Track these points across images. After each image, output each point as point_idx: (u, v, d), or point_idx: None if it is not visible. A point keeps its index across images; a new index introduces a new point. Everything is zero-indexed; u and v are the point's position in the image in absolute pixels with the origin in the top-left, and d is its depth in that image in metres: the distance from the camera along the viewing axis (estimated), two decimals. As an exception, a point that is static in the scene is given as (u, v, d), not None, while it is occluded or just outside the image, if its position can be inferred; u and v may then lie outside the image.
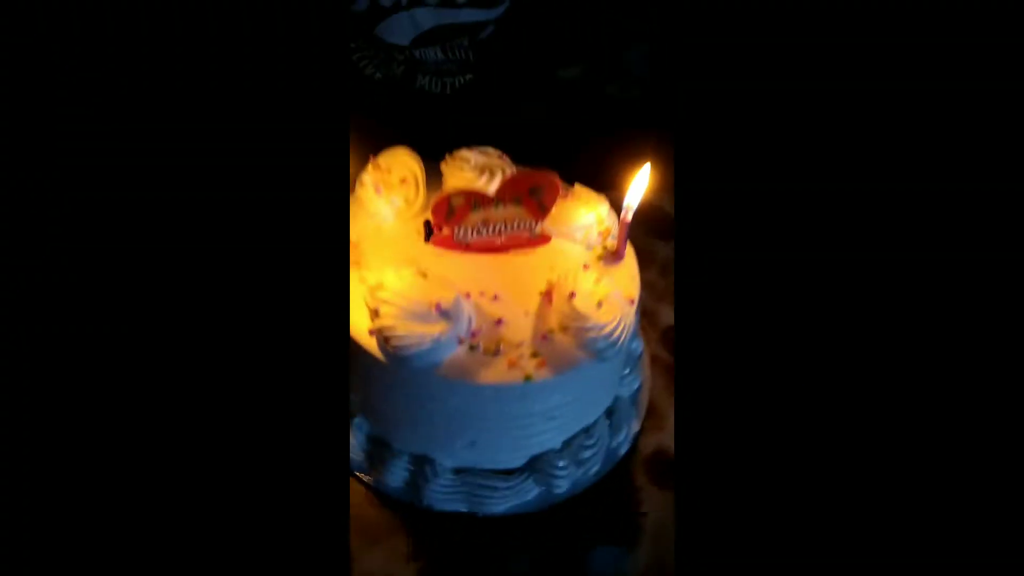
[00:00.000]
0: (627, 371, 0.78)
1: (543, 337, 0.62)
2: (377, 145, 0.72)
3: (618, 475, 0.74)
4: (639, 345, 0.82)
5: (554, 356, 0.61)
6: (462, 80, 1.00)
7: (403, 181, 0.69)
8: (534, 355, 0.61)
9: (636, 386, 0.80)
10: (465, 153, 0.71)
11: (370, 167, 0.69)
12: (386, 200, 0.68)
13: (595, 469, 0.73)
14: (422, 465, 0.68)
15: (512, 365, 0.60)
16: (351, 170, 0.66)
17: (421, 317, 0.58)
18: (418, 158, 0.71)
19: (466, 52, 0.96)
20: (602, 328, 0.60)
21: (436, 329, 0.58)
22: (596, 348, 0.61)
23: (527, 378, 0.60)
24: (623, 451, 0.75)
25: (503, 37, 0.95)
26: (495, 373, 0.60)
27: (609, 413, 0.75)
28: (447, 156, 0.71)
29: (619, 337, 0.61)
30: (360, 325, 0.61)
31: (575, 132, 1.00)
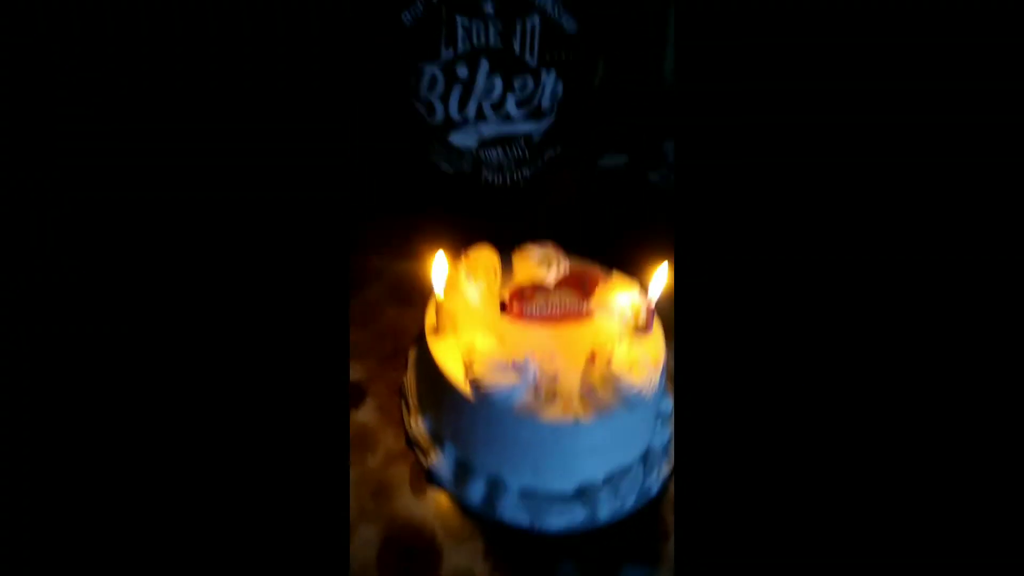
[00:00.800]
0: (658, 424, 0.98)
1: (588, 391, 0.84)
2: (466, 238, 0.99)
3: (649, 510, 0.92)
4: (669, 404, 1.02)
5: (596, 405, 0.83)
6: (520, 175, 1.26)
7: (486, 271, 0.95)
8: (581, 402, 0.83)
9: (667, 438, 0.99)
10: (529, 247, 0.96)
11: (463, 259, 0.96)
12: (474, 284, 0.94)
13: (631, 502, 0.92)
14: (496, 485, 0.89)
15: (566, 409, 0.82)
16: (449, 263, 0.93)
17: (502, 370, 0.82)
18: (496, 253, 0.97)
19: (523, 152, 1.23)
20: (632, 386, 0.82)
21: (512, 379, 0.82)
22: (628, 400, 0.82)
23: (576, 419, 0.82)
24: (654, 491, 0.94)
25: (553, 140, 1.22)
26: (553, 414, 0.82)
27: (644, 459, 0.94)
28: (516, 249, 0.97)
29: (645, 393, 0.83)
30: (456, 373, 0.85)
31: (617, 217, 1.23)
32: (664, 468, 0.96)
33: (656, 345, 0.90)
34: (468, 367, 0.84)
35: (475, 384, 0.82)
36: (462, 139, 1.20)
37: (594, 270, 0.89)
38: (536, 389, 0.83)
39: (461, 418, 0.89)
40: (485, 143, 1.20)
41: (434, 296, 0.90)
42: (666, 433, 0.99)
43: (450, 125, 1.17)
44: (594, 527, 0.89)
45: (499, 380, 0.81)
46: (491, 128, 1.18)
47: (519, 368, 0.82)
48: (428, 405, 0.96)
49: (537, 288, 0.88)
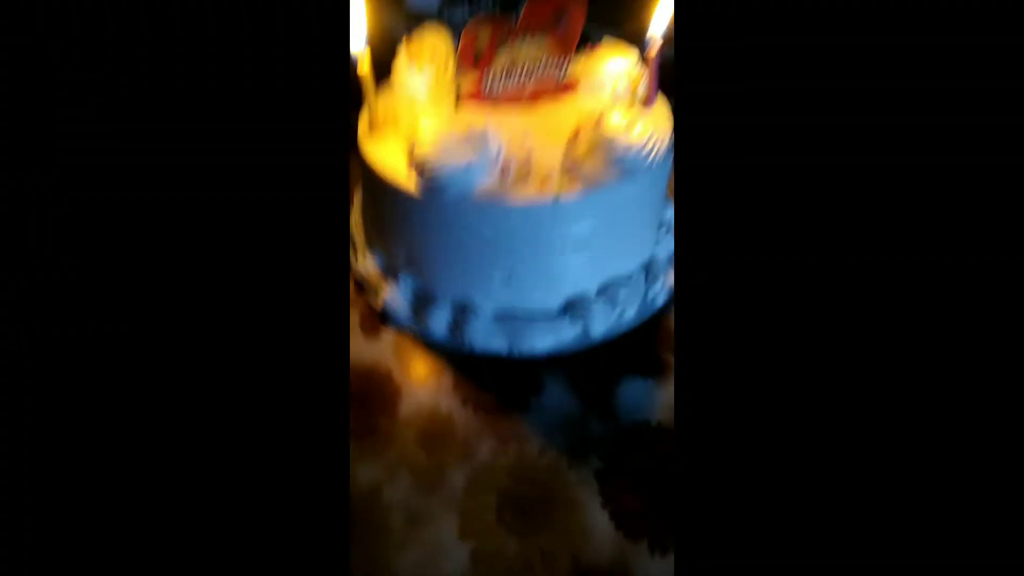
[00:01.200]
0: (662, 233, 0.79)
1: (572, 164, 0.64)
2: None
3: (653, 323, 0.75)
4: (672, 212, 0.83)
5: (583, 176, 0.63)
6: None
7: (434, 55, 0.73)
8: (564, 179, 0.63)
9: (671, 248, 0.81)
10: (483, 18, 0.74)
11: (403, 45, 0.75)
12: (417, 74, 0.72)
13: (631, 314, 0.74)
14: (463, 310, 0.72)
15: (542, 187, 0.63)
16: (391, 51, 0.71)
17: (454, 145, 0.62)
18: (446, 36, 0.75)
19: (492, 8, 1.01)
20: (630, 144, 0.62)
21: (468, 154, 0.62)
22: (625, 163, 0.62)
23: (556, 196, 0.62)
24: (660, 302, 0.76)
25: None
26: (525, 194, 0.63)
27: (647, 268, 0.77)
28: (470, 21, 0.75)
29: (648, 153, 0.62)
30: (401, 174, 0.65)
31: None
32: (670, 277, 0.79)
33: (660, 119, 0.70)
34: (412, 151, 0.64)
35: (421, 167, 0.62)
36: (422, 1, 0.97)
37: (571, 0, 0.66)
38: (503, 170, 0.64)
39: (413, 232, 0.69)
40: (449, 1, 0.98)
41: (363, 78, 0.68)
42: (671, 243, 0.81)
43: None
44: (587, 346, 0.72)
45: (451, 158, 0.62)
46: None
47: (477, 140, 0.62)
48: (377, 238, 0.77)
49: (499, 34, 0.65)
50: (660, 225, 0.79)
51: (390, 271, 0.76)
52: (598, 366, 0.70)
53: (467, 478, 0.59)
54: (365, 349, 0.73)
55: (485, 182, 0.63)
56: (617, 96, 0.72)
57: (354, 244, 0.82)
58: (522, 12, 0.65)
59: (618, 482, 0.59)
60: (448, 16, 1.00)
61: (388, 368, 0.71)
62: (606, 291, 0.73)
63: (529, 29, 0.66)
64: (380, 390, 0.69)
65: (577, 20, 0.67)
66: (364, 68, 0.67)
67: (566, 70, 0.70)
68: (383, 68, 0.70)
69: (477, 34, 0.65)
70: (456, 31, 1.01)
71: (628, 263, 0.75)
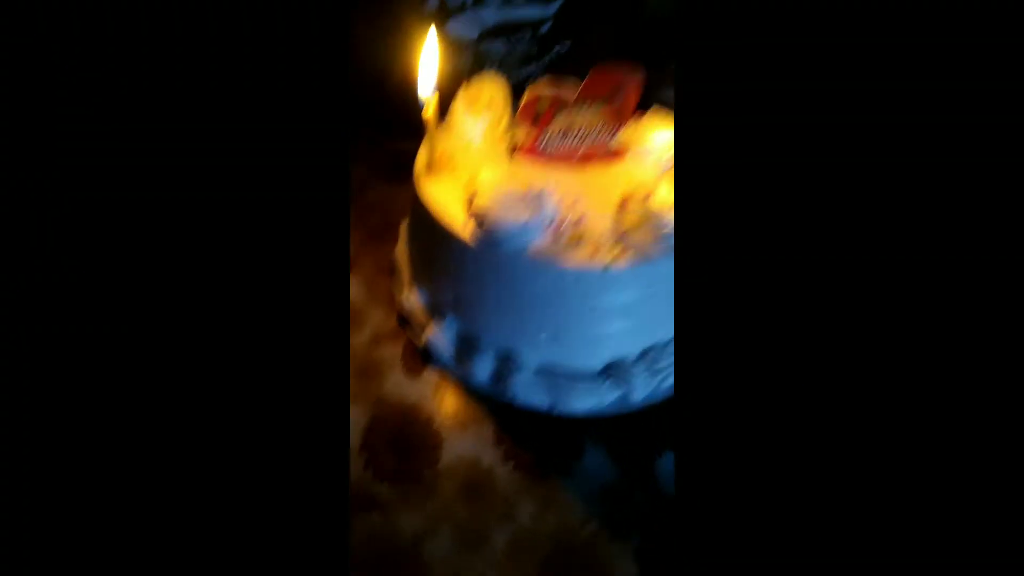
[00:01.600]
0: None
1: (621, 235, 0.66)
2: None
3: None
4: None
5: (632, 247, 0.65)
6: (525, 74, 1.07)
7: (491, 103, 0.75)
8: (614, 249, 0.65)
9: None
10: (546, 80, 0.76)
11: (461, 91, 0.76)
12: (474, 119, 0.74)
13: (670, 382, 0.75)
14: (507, 360, 0.73)
15: (594, 254, 0.64)
16: (448, 98, 0.73)
17: (512, 202, 0.63)
18: (504, 84, 0.77)
19: (529, 45, 1.04)
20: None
21: (525, 213, 0.63)
22: (671, 239, 0.64)
23: (607, 265, 0.64)
24: (699, 367, 0.77)
25: (561, 32, 1.02)
26: (578, 258, 0.64)
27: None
28: (530, 85, 0.77)
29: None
30: (456, 218, 0.67)
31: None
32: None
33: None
34: (471, 201, 0.65)
35: (479, 219, 0.64)
36: (462, 28, 1.00)
37: (633, 75, 0.68)
38: (557, 232, 0.65)
39: (463, 276, 0.71)
40: (487, 33, 1.00)
41: (428, 121, 0.70)
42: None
43: (447, 12, 0.98)
44: (627, 410, 0.73)
45: (509, 214, 0.63)
46: (493, 14, 0.99)
47: (534, 200, 0.64)
48: (424, 274, 0.78)
49: (558, 103, 0.67)
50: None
51: (435, 310, 0.78)
52: (640, 436, 0.71)
53: (508, 541, 0.60)
54: (407, 387, 0.74)
55: (539, 241, 0.65)
56: (663, 164, 0.73)
57: (400, 277, 0.84)
58: (584, 82, 0.67)
59: (657, 561, 0.60)
60: (486, 47, 1.03)
61: (429, 412, 0.72)
62: (646, 356, 0.74)
63: (588, 98, 0.68)
64: (422, 437, 0.70)
65: (632, 95, 0.69)
66: (429, 112, 0.69)
67: (616, 138, 0.71)
68: (442, 108, 0.72)
69: (539, 96, 0.67)
70: (493, 66, 1.04)
71: (670, 330, 0.75)
